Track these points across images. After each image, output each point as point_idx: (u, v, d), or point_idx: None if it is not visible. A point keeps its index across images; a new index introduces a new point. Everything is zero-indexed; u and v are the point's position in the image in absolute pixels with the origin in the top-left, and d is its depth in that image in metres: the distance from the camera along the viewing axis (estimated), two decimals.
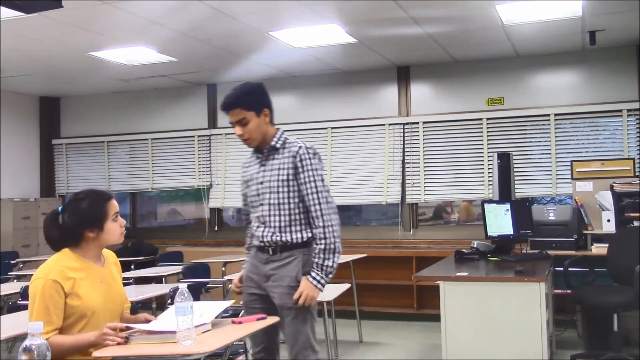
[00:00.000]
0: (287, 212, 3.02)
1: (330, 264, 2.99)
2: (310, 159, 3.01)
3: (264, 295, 3.08)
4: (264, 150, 3.10)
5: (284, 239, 3.02)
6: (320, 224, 2.98)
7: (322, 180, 3.04)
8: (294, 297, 2.95)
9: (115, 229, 2.61)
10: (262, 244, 3.07)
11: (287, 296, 2.98)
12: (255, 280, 3.11)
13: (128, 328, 2.44)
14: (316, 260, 3.00)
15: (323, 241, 2.98)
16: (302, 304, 2.95)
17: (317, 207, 2.99)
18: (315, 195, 2.99)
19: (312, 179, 3.00)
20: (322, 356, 5.24)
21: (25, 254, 7.54)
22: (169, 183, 8.38)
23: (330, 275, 3.03)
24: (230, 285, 3.28)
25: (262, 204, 3.07)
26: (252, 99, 3.04)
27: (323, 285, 3.01)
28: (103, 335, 2.36)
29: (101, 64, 6.80)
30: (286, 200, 3.01)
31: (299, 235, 3.02)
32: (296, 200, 3.02)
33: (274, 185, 3.03)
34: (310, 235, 3.04)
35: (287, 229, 3.02)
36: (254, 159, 3.18)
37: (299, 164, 3.00)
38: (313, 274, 2.99)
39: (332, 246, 2.98)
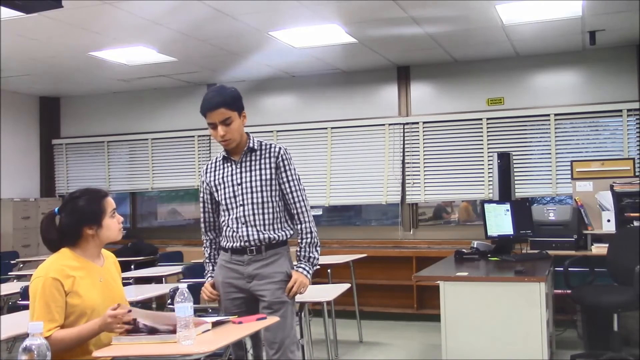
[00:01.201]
0: (270, 210, 3.11)
1: (316, 255, 3.18)
2: (290, 159, 3.17)
3: (248, 297, 3.11)
4: (239, 153, 3.13)
5: (270, 236, 3.09)
6: (306, 219, 3.15)
7: (300, 179, 3.20)
8: (288, 285, 3.06)
9: (113, 225, 2.62)
10: (245, 244, 3.08)
11: (280, 291, 3.06)
12: (236, 284, 3.11)
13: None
14: (303, 253, 3.15)
15: (309, 235, 3.15)
16: (295, 292, 3.07)
17: (301, 203, 3.15)
18: (298, 193, 3.15)
19: (294, 177, 3.16)
20: (322, 356, 5.25)
21: (25, 254, 7.54)
22: (169, 183, 8.38)
23: (316, 267, 3.20)
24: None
25: (242, 205, 3.09)
26: (234, 100, 3.08)
27: (311, 276, 3.17)
28: (108, 323, 2.37)
29: (101, 64, 6.80)
30: (269, 199, 3.10)
31: (281, 233, 3.13)
32: (277, 198, 3.13)
33: (256, 185, 3.09)
34: (290, 232, 3.18)
35: (271, 227, 3.10)
36: (220, 163, 3.20)
37: (281, 164, 3.13)
38: (302, 265, 3.14)
39: (315, 240, 3.17)
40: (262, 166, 3.11)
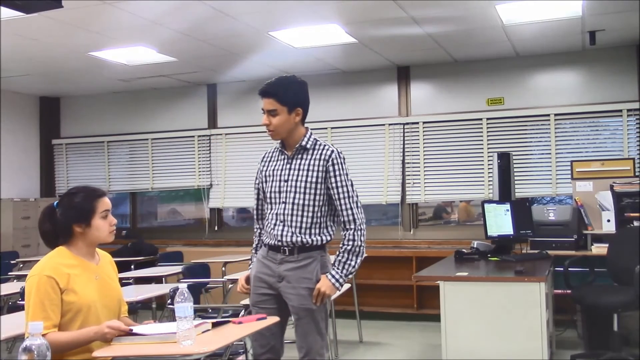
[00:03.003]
0: (310, 214, 3.01)
1: (353, 264, 3.04)
2: (342, 163, 3.05)
3: (276, 295, 3.05)
4: (292, 148, 3.08)
5: (303, 240, 3.01)
6: (352, 227, 3.03)
7: (352, 184, 3.07)
8: (314, 293, 2.97)
9: (103, 227, 2.58)
10: (278, 243, 3.02)
11: (306, 298, 2.98)
12: (267, 280, 3.06)
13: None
14: (339, 258, 3.03)
15: (351, 242, 3.03)
16: (317, 300, 2.97)
17: (350, 211, 3.03)
18: (348, 200, 3.03)
19: (344, 183, 3.03)
20: None
21: (25, 254, 7.53)
22: (169, 183, 8.38)
23: (350, 276, 3.06)
24: (231, 285, 3.22)
25: (284, 202, 3.03)
26: (289, 95, 3.01)
27: (341, 285, 3.03)
28: (104, 334, 2.36)
29: (101, 64, 6.80)
30: (311, 202, 3.01)
31: (318, 237, 3.04)
32: (320, 203, 3.03)
33: (301, 185, 3.01)
34: (328, 238, 3.07)
35: (308, 231, 3.02)
36: (276, 154, 3.15)
37: (330, 168, 3.02)
38: (333, 272, 3.01)
39: (358, 249, 3.05)
40: (311, 167, 3.03)
